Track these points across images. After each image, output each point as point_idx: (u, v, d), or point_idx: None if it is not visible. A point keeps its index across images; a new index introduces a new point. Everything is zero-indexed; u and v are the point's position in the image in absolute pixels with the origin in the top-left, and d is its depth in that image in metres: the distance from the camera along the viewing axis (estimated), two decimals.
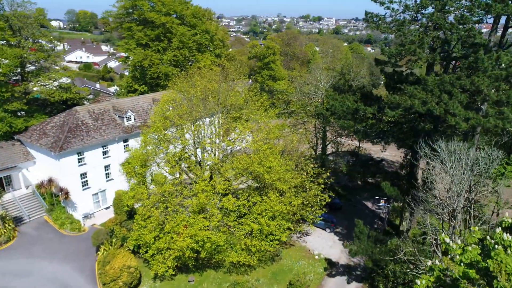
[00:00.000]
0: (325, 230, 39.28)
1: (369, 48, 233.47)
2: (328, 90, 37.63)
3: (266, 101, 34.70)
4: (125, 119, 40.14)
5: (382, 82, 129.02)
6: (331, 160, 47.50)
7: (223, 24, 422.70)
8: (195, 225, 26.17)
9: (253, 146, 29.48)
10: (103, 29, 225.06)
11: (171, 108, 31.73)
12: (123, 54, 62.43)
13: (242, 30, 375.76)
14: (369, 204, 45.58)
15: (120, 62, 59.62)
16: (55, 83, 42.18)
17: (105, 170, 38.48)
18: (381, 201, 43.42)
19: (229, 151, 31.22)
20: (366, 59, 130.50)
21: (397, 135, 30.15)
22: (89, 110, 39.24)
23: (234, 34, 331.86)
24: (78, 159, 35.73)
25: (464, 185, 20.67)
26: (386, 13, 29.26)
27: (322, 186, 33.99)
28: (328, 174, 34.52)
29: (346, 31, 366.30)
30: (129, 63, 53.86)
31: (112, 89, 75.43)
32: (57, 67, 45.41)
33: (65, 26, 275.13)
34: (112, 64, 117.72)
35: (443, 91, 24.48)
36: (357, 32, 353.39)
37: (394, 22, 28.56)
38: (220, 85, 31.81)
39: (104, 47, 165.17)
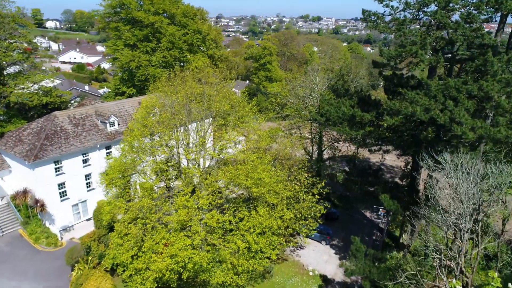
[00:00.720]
0: (321, 243, 36.90)
1: (368, 48, 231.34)
2: (323, 94, 35.24)
3: (255, 107, 32.30)
4: (108, 125, 37.75)
5: (382, 83, 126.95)
6: (327, 165, 45.13)
7: (222, 24, 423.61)
8: (175, 244, 23.80)
9: (240, 156, 27.07)
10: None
11: (152, 114, 29.40)
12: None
13: (241, 30, 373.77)
14: (367, 214, 43.24)
15: (109, 63, 57.27)
16: (35, 86, 39.84)
17: (86, 179, 36.09)
18: (380, 211, 41.07)
19: (214, 163, 28.84)
20: (365, 60, 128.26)
21: (396, 143, 27.78)
22: (70, 115, 36.86)
23: (233, 34, 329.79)
24: (56, 168, 33.33)
25: (472, 205, 18.31)
26: (385, 11, 26.93)
27: (317, 197, 31.64)
28: (323, 184, 32.18)
29: (345, 31, 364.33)
30: (116, 64, 51.50)
31: (103, 91, 73.11)
32: (38, 69, 42.98)
33: (62, 26, 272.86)
34: (106, 65, 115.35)
35: (448, 97, 22.12)
36: (357, 32, 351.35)
37: (394, 21, 26.21)
38: (204, 89, 29.42)
39: (99, 48, 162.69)
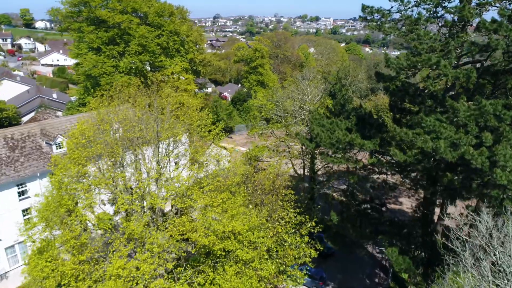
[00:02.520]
0: None
1: (367, 49, 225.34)
2: (312, 112, 28.61)
3: (222, 134, 25.76)
4: (54, 147, 31.20)
5: (382, 87, 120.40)
6: (321, 182, 38.45)
7: (219, 24, 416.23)
8: None
9: (200, 202, 20.40)
10: None
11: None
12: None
13: (238, 30, 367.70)
14: (369, 248, 36.68)
15: (71, 70, 50.55)
16: None
17: (24, 215, 29.51)
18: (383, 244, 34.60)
19: (160, 213, 22.19)
20: (364, 61, 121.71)
21: (407, 181, 21.31)
22: (6, 136, 30.24)
23: (230, 34, 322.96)
24: None
25: None
26: (392, 7, 20.43)
27: (307, 238, 25.10)
28: (313, 223, 25.65)
29: (343, 31, 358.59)
30: (79, 71, 44.86)
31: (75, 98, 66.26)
32: None
33: (52, 26, 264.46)
34: None
35: (484, 127, 15.65)
36: (355, 32, 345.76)
37: (404, 20, 19.72)
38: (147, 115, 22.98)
39: None
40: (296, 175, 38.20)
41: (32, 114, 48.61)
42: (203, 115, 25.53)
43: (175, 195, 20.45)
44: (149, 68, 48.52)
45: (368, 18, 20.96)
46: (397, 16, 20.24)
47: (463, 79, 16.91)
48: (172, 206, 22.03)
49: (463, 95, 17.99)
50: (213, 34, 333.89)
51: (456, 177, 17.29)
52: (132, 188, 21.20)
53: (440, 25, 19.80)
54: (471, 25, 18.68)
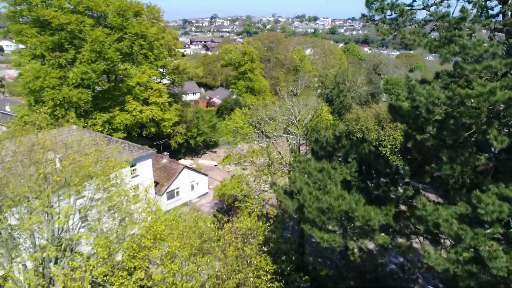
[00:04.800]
0: None
1: (366, 49, 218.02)
2: (294, 150, 20.61)
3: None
4: None
5: (383, 92, 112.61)
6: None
7: (216, 24, 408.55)
8: None
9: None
10: None
11: None
12: None
13: (236, 31, 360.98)
14: None
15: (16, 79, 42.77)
16: None
17: None
18: None
19: None
20: (364, 64, 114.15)
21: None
22: None
23: (228, 34, 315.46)
24: None
25: None
26: (414, 1, 12.84)
27: None
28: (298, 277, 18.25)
29: (342, 31, 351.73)
30: (20, 83, 37.18)
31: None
32: None
33: None
34: None
35: None
36: (354, 32, 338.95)
37: (436, 21, 12.16)
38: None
39: None
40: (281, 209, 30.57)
41: None
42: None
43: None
44: (108, 79, 40.94)
45: (377, 17, 13.33)
46: (422, 15, 12.64)
47: None
48: None
49: None
50: (210, 34, 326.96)
51: None
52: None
53: (493, 28, 12.17)
54: None
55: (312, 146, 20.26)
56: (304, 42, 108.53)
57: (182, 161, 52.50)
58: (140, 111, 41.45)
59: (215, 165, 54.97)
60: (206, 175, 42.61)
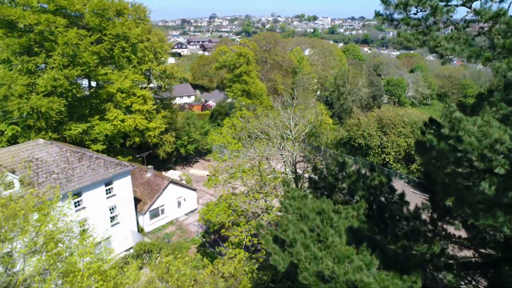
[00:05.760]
0: None
1: (365, 49, 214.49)
2: (286, 182, 17.02)
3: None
4: None
5: (384, 95, 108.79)
6: None
7: (215, 24, 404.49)
8: None
9: None
10: None
11: None
12: None
13: (234, 30, 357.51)
14: None
15: None
16: None
17: None
18: None
19: None
20: (365, 65, 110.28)
21: None
22: None
23: (226, 34, 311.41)
24: None
25: None
26: None
27: None
28: None
29: (341, 30, 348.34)
30: None
31: None
32: None
33: None
34: None
35: None
36: (353, 32, 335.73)
37: (486, 21, 8.49)
38: None
39: None
40: None
41: None
42: None
43: None
44: (89, 84, 37.27)
45: (396, 16, 9.65)
46: (461, 13, 8.98)
47: None
48: None
49: None
50: (209, 34, 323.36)
51: None
52: None
53: None
54: None
55: (309, 175, 16.59)
56: (303, 43, 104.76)
57: (171, 172, 48.81)
58: (122, 120, 37.77)
59: (208, 175, 51.28)
60: (195, 190, 38.89)
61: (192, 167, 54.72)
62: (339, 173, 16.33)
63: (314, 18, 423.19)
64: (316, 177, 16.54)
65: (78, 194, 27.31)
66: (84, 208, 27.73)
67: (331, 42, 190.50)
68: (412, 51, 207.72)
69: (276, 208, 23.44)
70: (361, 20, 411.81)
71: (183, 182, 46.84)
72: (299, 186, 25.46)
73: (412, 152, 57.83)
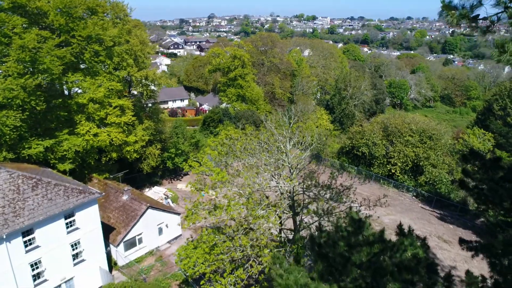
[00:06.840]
0: None
1: (365, 49, 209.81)
2: (275, 254, 12.03)
3: None
4: None
5: (388, 97, 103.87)
6: None
7: (214, 24, 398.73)
8: None
9: None
10: None
11: None
12: None
13: (233, 30, 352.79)
14: None
15: None
16: None
17: None
18: None
19: None
20: (366, 67, 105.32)
21: None
22: None
23: (225, 34, 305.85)
24: None
25: None
26: None
27: None
28: None
29: (341, 30, 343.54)
30: None
31: None
32: None
33: None
34: None
35: None
36: (353, 32, 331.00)
37: None
38: None
39: None
40: None
41: None
42: None
43: None
44: (61, 93, 32.38)
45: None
46: None
47: None
48: None
49: None
50: (207, 34, 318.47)
51: None
52: None
53: None
54: None
55: (312, 241, 11.75)
56: (302, 43, 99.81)
57: (155, 189, 43.89)
58: (95, 134, 32.94)
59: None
60: (179, 214, 33.96)
61: (180, 180, 49.81)
62: (353, 236, 11.53)
63: (314, 18, 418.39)
64: (323, 241, 11.71)
65: (29, 231, 22.45)
66: (37, 247, 22.87)
67: (331, 42, 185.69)
68: (412, 51, 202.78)
69: (268, 256, 18.62)
70: (360, 20, 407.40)
71: (168, 200, 41.97)
72: (297, 224, 20.61)
73: (421, 164, 53.15)
